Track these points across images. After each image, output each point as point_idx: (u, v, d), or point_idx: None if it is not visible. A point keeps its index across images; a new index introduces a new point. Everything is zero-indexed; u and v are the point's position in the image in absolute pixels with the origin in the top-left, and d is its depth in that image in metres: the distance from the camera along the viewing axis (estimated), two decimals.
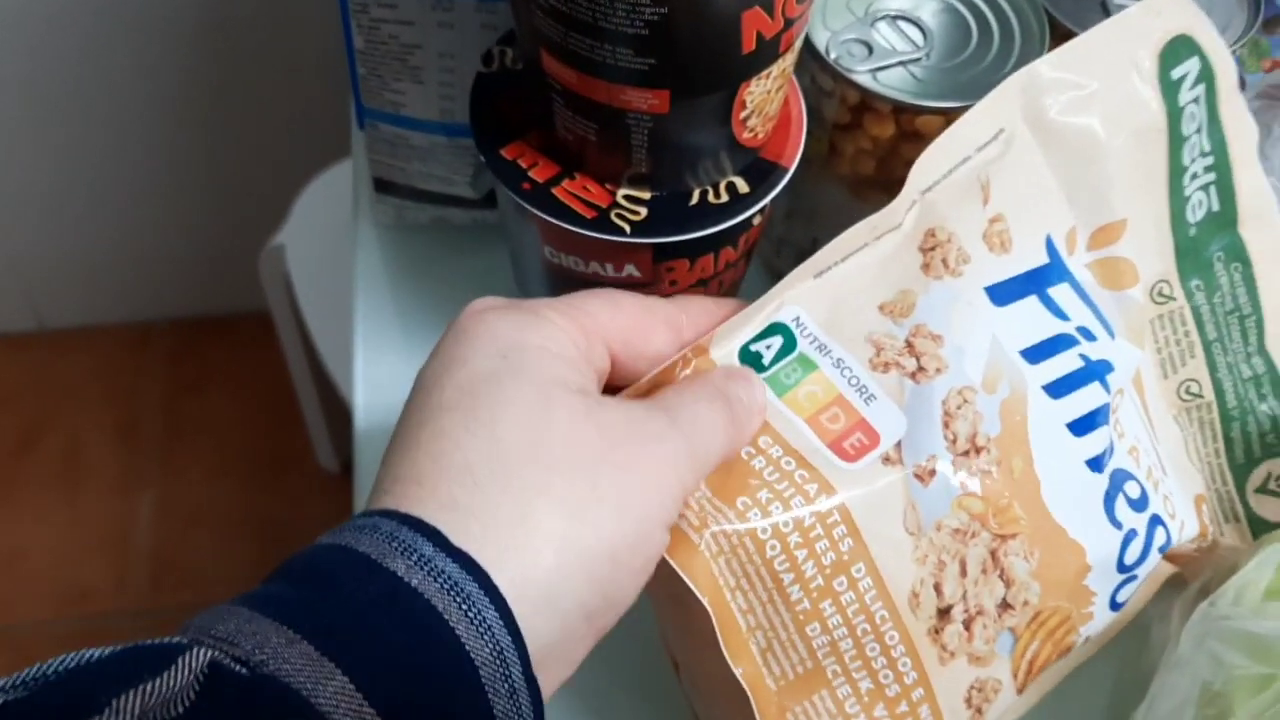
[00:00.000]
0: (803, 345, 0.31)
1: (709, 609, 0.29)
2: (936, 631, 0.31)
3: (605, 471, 0.26)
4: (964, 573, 0.31)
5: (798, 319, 0.32)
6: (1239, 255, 0.38)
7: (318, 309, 0.92)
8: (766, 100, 0.33)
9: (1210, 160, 0.37)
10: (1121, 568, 0.34)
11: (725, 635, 0.29)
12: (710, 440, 0.28)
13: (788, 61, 0.33)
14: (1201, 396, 0.39)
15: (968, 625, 0.32)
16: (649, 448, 0.27)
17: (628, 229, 0.34)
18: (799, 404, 0.31)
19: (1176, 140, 0.36)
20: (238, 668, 0.21)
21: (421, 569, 0.23)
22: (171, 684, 0.21)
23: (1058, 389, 0.33)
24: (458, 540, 0.24)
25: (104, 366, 1.32)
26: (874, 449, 0.31)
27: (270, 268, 0.94)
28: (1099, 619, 0.34)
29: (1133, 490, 0.35)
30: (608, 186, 0.35)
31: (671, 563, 0.29)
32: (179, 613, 1.18)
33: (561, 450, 0.25)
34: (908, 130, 0.38)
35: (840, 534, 0.30)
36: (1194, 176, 0.37)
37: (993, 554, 0.32)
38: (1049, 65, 0.34)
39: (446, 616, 0.23)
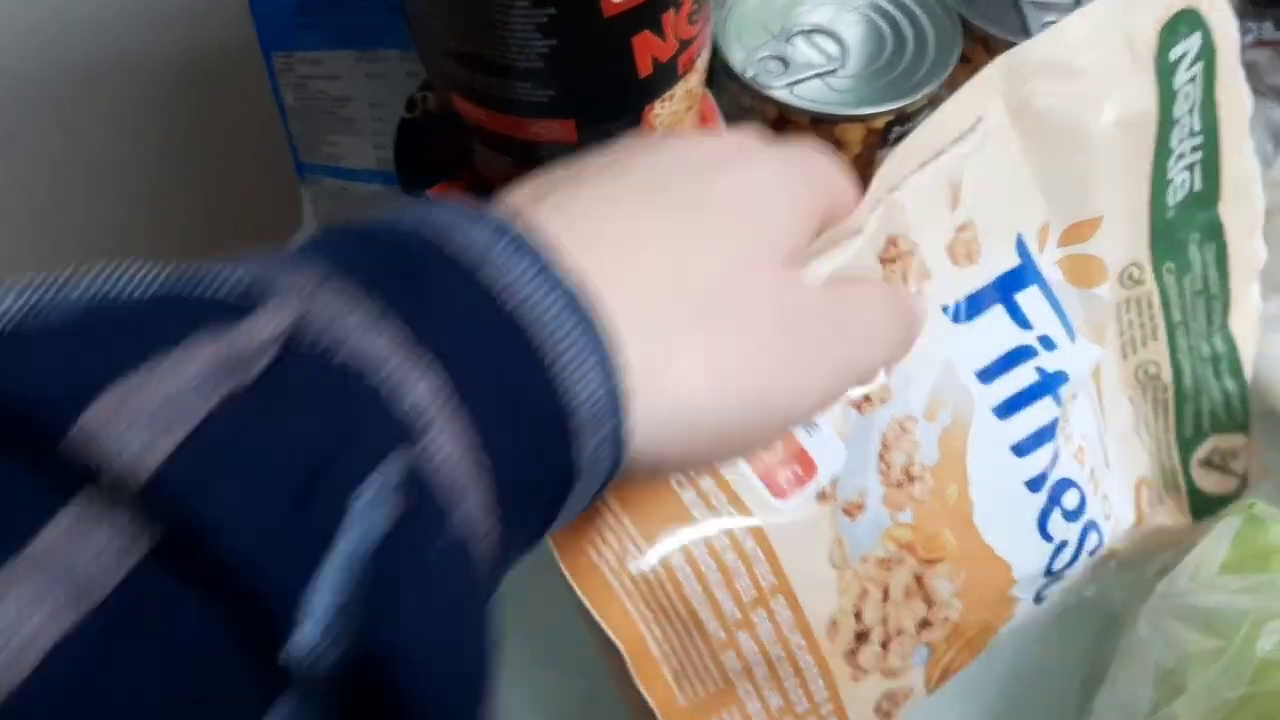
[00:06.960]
0: None
1: (622, 650, 0.28)
2: (852, 653, 0.31)
3: (773, 354, 0.24)
4: (886, 598, 0.31)
5: None
6: (1215, 235, 0.37)
7: None
8: (675, 121, 0.34)
9: (1199, 140, 0.35)
10: (1049, 574, 0.34)
11: (638, 667, 0.29)
12: (874, 356, 0.27)
13: (691, 82, 0.33)
14: (1159, 378, 0.38)
15: (884, 645, 0.31)
16: (809, 351, 0.25)
17: None
18: None
19: (1166, 125, 0.34)
20: (309, 341, 0.17)
21: (535, 278, 0.20)
22: (251, 339, 0.16)
23: (1007, 409, 0.33)
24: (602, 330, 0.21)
25: None
26: (809, 483, 0.30)
27: None
28: (1020, 617, 0.34)
29: (1071, 500, 0.34)
30: None
31: (590, 609, 0.28)
32: None
33: (740, 311, 0.23)
34: (828, 140, 0.39)
35: (763, 571, 0.29)
36: (1180, 158, 0.35)
37: (918, 578, 0.31)
38: (1037, 47, 0.32)
39: (551, 345, 0.20)
